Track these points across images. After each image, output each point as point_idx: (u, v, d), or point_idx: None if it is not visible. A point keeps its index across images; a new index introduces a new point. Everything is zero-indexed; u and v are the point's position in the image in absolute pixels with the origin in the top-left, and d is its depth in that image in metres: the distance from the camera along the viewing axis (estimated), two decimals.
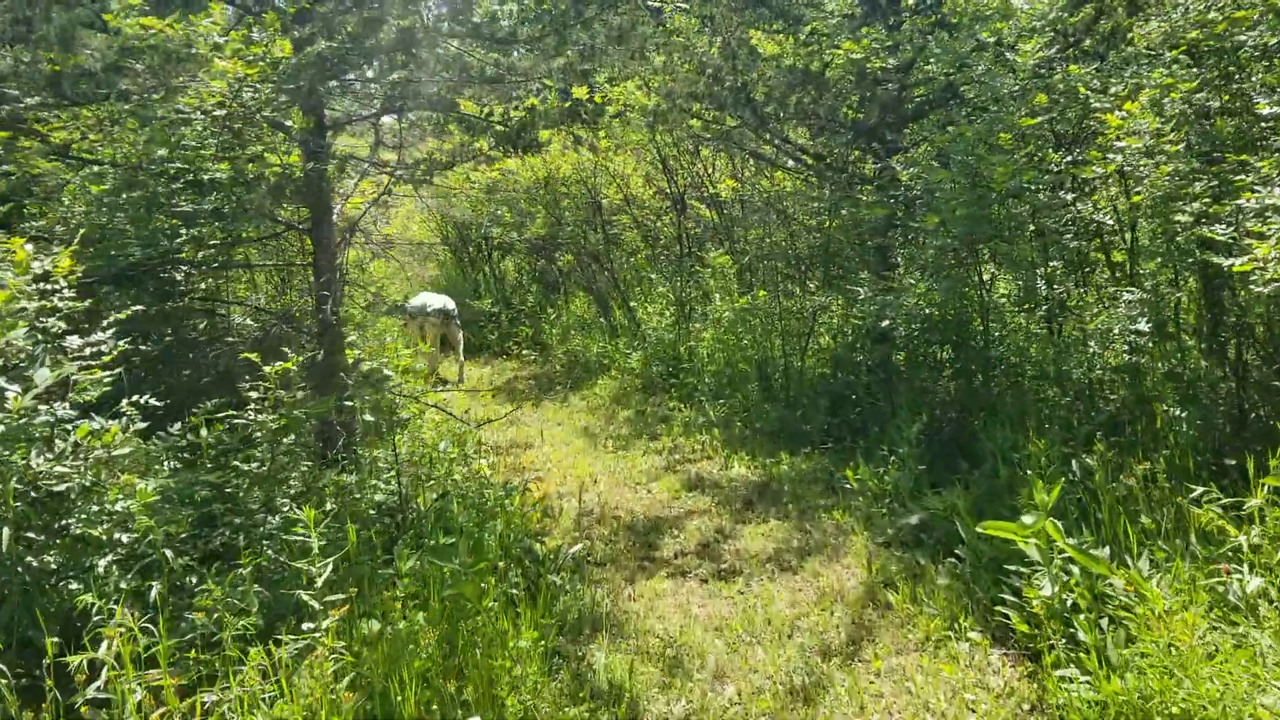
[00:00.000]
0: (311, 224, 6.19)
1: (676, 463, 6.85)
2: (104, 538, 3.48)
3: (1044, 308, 5.66)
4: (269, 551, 3.95)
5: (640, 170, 10.70)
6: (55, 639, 2.77)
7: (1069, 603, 3.41)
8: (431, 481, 5.84)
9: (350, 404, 5.23)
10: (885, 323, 6.06)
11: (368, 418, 5.37)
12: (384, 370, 5.62)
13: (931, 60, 6.41)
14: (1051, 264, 5.57)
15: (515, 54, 6.60)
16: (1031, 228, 5.48)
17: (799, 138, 8.39)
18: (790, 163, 8.79)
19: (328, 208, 6.17)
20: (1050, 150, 5.64)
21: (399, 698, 3.10)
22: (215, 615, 3.14)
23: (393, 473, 5.59)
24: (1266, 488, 3.38)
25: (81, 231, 4.77)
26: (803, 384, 7.80)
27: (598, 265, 11.04)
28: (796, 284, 8.42)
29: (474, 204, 11.81)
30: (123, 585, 3.29)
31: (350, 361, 5.60)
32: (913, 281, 6.07)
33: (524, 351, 11.40)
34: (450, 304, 10.39)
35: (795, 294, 8.26)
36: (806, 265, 8.23)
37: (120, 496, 3.57)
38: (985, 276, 5.91)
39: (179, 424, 4.40)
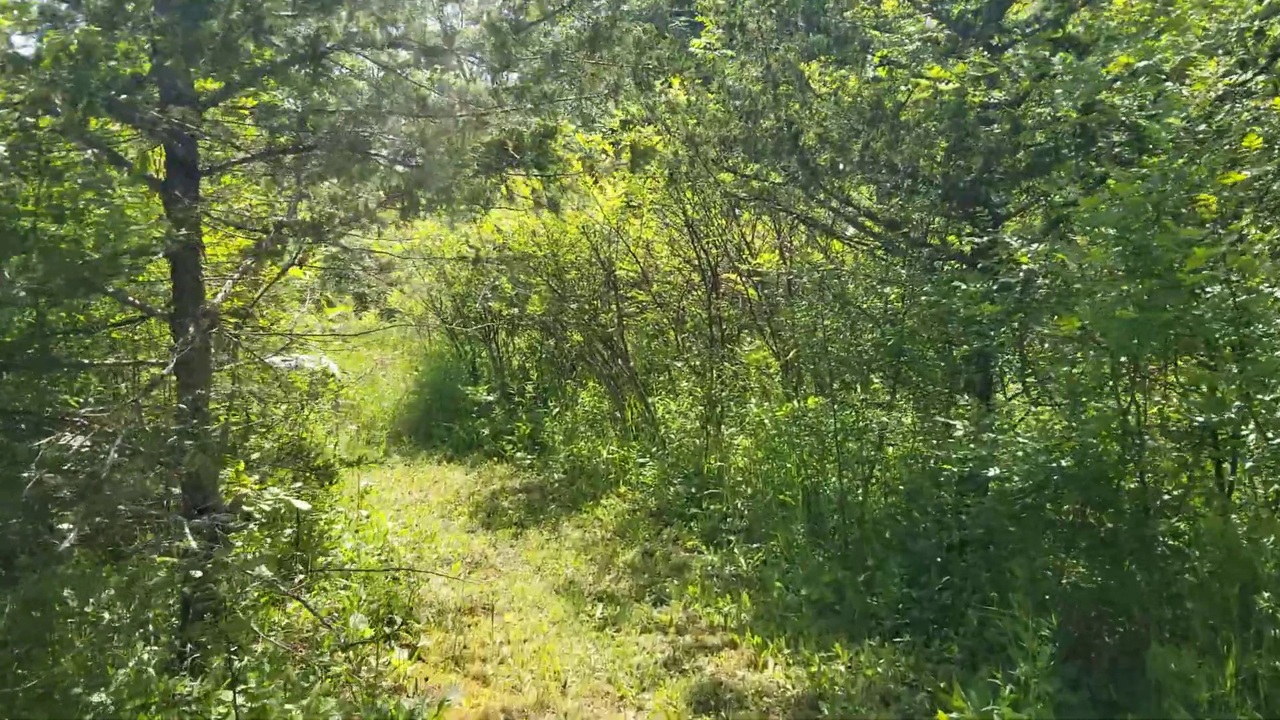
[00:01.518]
0: (174, 310, 4.56)
1: (687, 653, 5.04)
2: None
3: (1250, 463, 3.81)
4: None
5: (664, 236, 9.04)
6: None
7: None
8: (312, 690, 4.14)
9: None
10: (992, 472, 4.25)
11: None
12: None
13: (1057, 92, 4.67)
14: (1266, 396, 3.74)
15: (465, 74, 5.01)
16: (1233, 337, 3.67)
17: (863, 198, 6.68)
18: (850, 230, 7.08)
19: (197, 288, 4.54)
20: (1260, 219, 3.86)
21: None
22: None
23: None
24: None
25: None
26: (866, 529, 5.97)
27: (610, 351, 9.33)
28: (858, 391, 6.62)
29: (453, 273, 10.23)
30: None
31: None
32: (1033, 410, 4.29)
33: (518, 454, 9.67)
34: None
35: (856, 405, 6.47)
36: (872, 367, 6.43)
37: None
38: (1151, 410, 4.08)
39: None
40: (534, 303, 9.42)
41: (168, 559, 4.21)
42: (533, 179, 7.99)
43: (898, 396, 6.34)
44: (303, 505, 5.40)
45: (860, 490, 6.19)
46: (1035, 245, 4.19)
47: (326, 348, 7.04)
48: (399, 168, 5.15)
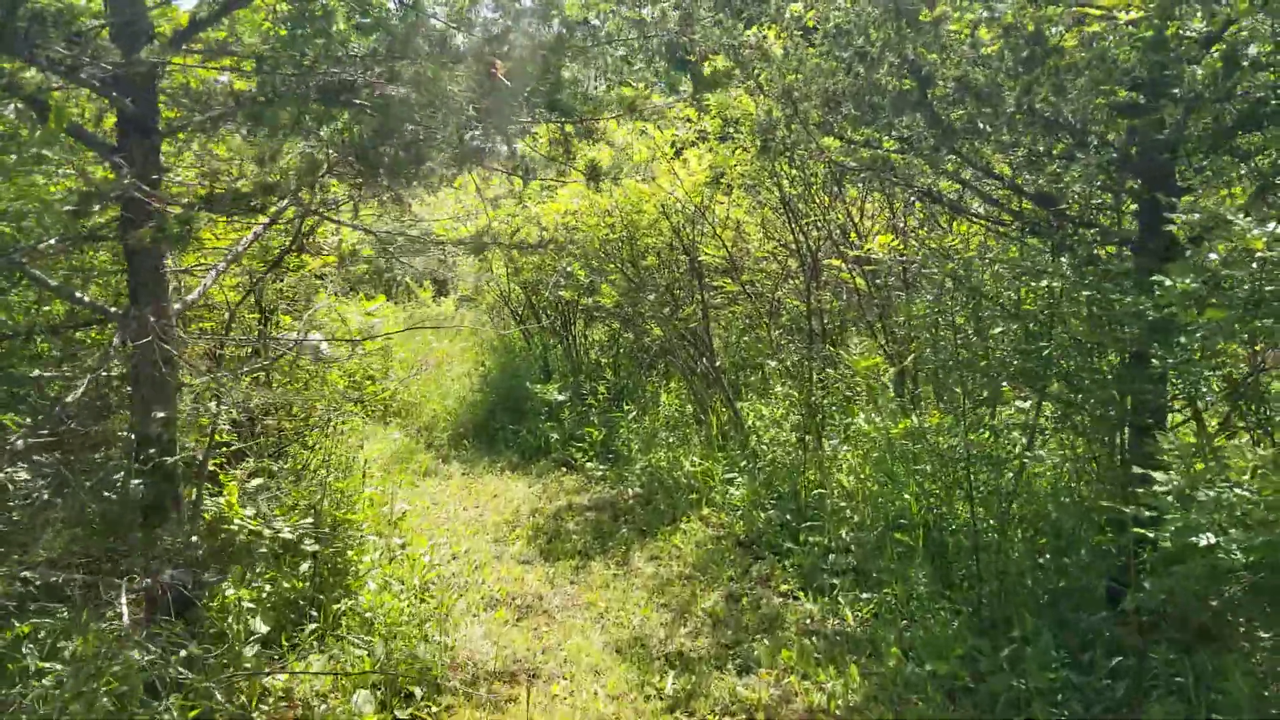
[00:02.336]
0: (125, 310, 3.73)
1: None
2: None
3: None
4: None
5: (756, 216, 7.98)
6: None
7: None
8: None
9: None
10: (1205, 540, 3.13)
11: None
12: None
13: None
14: None
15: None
16: None
17: (996, 165, 5.50)
18: (978, 207, 5.92)
19: (157, 281, 3.70)
20: None
21: None
22: None
23: None
24: None
25: None
26: (1008, 582, 4.87)
27: (694, 347, 8.32)
28: (993, 406, 5.50)
29: (522, 259, 9.33)
30: None
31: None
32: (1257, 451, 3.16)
33: (589, 463, 8.75)
34: None
35: (991, 425, 5.35)
36: (1012, 379, 5.28)
37: None
38: None
39: None
40: (605, 292, 8.45)
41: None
42: (596, 148, 7.06)
43: (1046, 417, 5.19)
44: (310, 545, 4.57)
45: (995, 528, 5.08)
46: (1274, 226, 3.03)
47: (340, 344, 6.21)
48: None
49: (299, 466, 5.27)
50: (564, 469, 8.95)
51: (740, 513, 7.01)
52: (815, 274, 7.46)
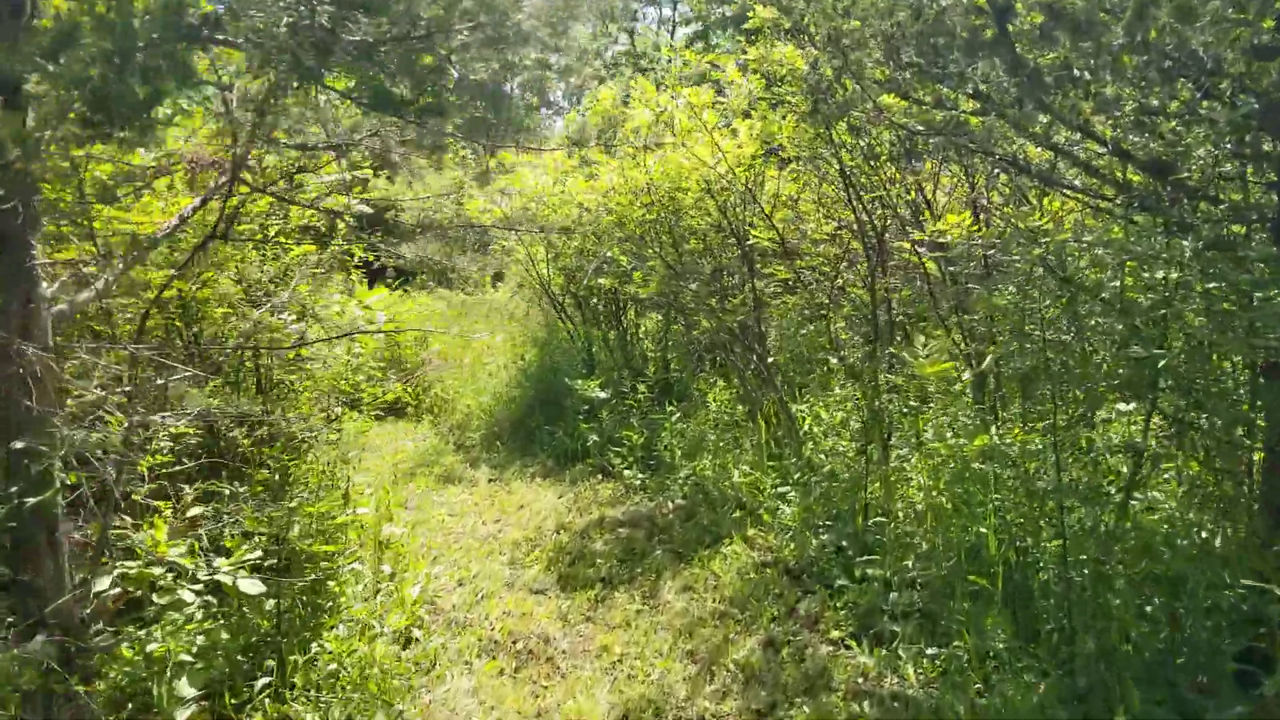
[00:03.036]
0: None
1: None
2: None
3: None
4: None
5: (812, 193, 7.13)
6: None
7: None
8: None
9: None
10: None
11: None
12: None
13: None
14: None
15: None
16: None
17: (1093, 125, 4.57)
18: (1078, 179, 5.00)
19: (18, 273, 3.05)
20: None
21: None
22: None
23: None
24: None
25: None
26: (1105, 643, 4.00)
27: (744, 342, 7.51)
28: (1091, 423, 4.61)
29: (561, 243, 8.61)
30: None
31: None
32: None
33: (628, 470, 8.00)
34: None
35: (1088, 445, 4.47)
36: (1116, 389, 4.37)
37: None
38: None
39: None
40: (639, 280, 7.67)
41: None
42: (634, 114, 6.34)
43: (1158, 437, 4.29)
44: (252, 587, 3.92)
45: (1090, 578, 4.21)
46: None
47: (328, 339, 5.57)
48: None
49: (259, 490, 4.62)
50: (600, 476, 8.23)
51: (791, 534, 6.22)
52: (881, 258, 6.58)
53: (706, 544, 6.44)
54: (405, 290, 21.22)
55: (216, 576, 3.87)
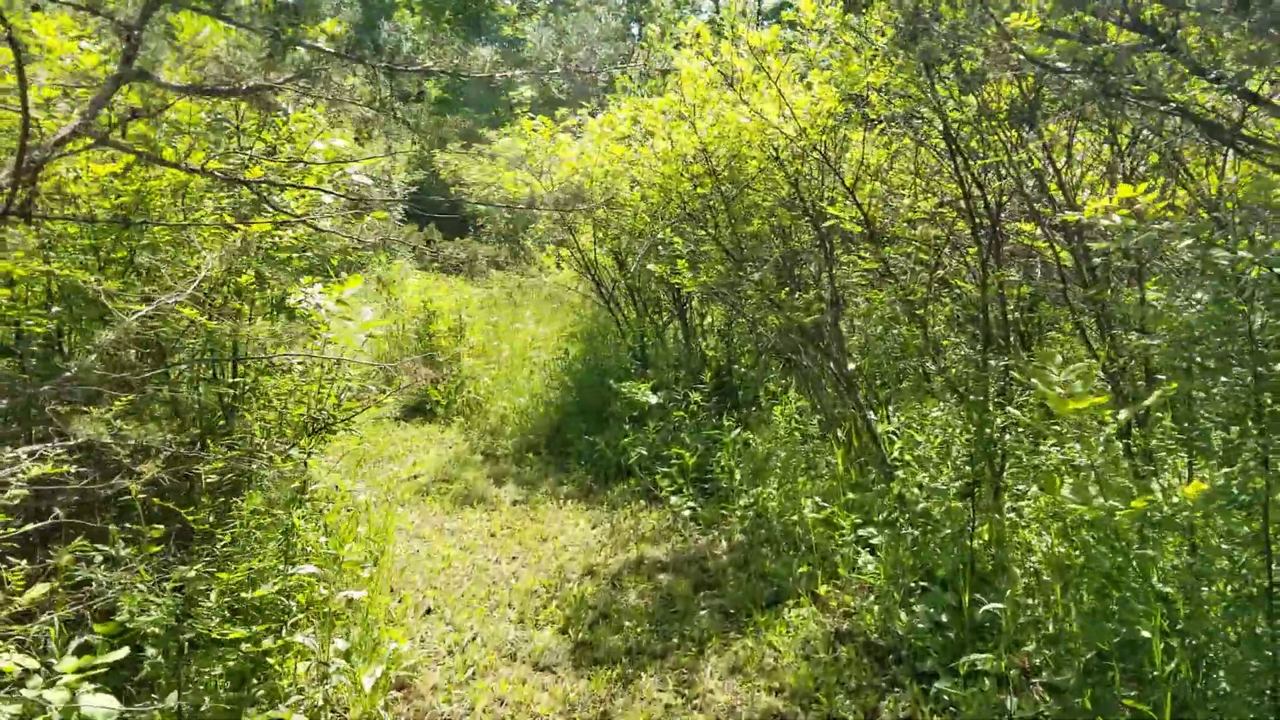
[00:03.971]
0: None
1: None
2: None
3: None
4: None
5: (904, 160, 5.84)
6: None
7: None
8: None
9: None
10: None
11: None
12: None
13: None
14: None
15: None
16: None
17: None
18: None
19: None
20: None
21: None
22: None
23: None
24: None
25: None
26: None
27: (816, 347, 6.27)
28: None
29: (609, 219, 7.43)
30: None
31: None
32: None
33: (675, 497, 6.83)
34: None
35: None
36: None
37: None
38: None
39: None
40: (684, 269, 6.45)
41: None
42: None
43: None
44: (100, 708, 2.88)
45: None
46: None
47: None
48: None
49: (154, 551, 3.55)
50: (644, 501, 7.07)
51: (874, 596, 5.01)
52: (996, 244, 5.28)
53: (766, 602, 5.26)
54: (457, 274, 20.35)
55: (45, 693, 2.81)
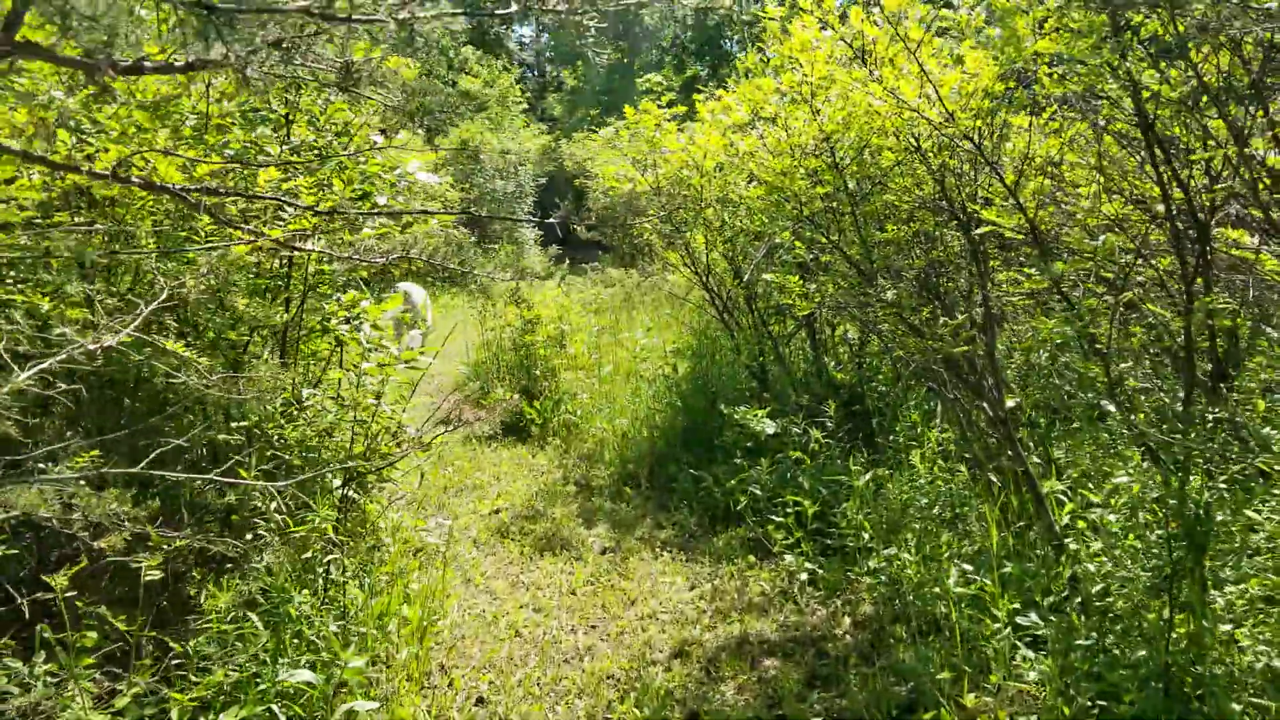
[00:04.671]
0: None
1: None
2: None
3: None
4: None
5: (1077, 151, 4.72)
6: None
7: None
8: None
9: None
10: None
11: None
12: None
13: None
14: None
15: None
16: None
17: None
18: None
19: None
20: None
21: None
22: None
23: None
24: None
25: None
26: None
27: (967, 380, 5.21)
28: None
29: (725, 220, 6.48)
30: None
31: None
32: None
33: (790, 556, 5.86)
34: None
35: None
36: None
37: None
38: None
39: None
40: (795, 287, 5.45)
41: None
42: None
43: None
44: None
45: None
46: None
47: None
48: None
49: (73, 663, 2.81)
50: (753, 555, 6.12)
51: (1041, 711, 3.98)
52: (1204, 259, 4.15)
53: (897, 710, 4.27)
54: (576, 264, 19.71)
55: None
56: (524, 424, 8.98)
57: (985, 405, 5.01)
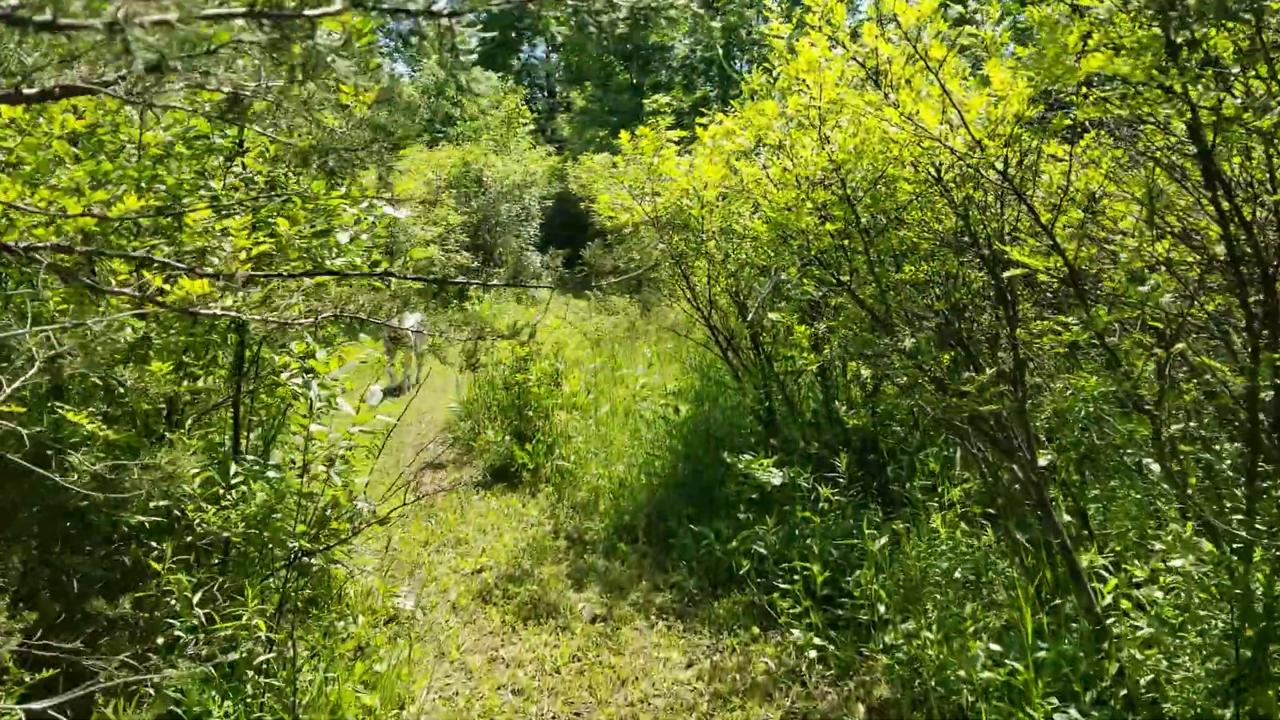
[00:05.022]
0: None
1: None
2: None
3: None
4: None
5: (1130, 179, 4.22)
6: None
7: None
8: None
9: None
10: None
11: None
12: None
13: None
14: None
15: None
16: None
17: None
18: None
19: None
20: None
21: None
22: None
23: None
24: None
25: None
26: None
27: (993, 436, 4.69)
28: None
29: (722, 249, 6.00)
30: None
31: None
32: None
33: (797, 626, 5.34)
34: None
35: None
36: None
37: None
38: None
39: None
40: (802, 338, 4.94)
41: None
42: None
43: None
44: None
45: None
46: None
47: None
48: None
49: None
50: (758, 625, 5.59)
51: None
52: (1275, 303, 3.63)
53: None
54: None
55: None
56: (515, 469, 8.46)
57: (1015, 466, 4.48)
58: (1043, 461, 4.62)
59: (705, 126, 6.50)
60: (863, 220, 4.80)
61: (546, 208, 27.29)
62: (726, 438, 7.43)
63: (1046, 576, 4.71)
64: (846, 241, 4.84)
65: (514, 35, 48.93)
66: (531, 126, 32.53)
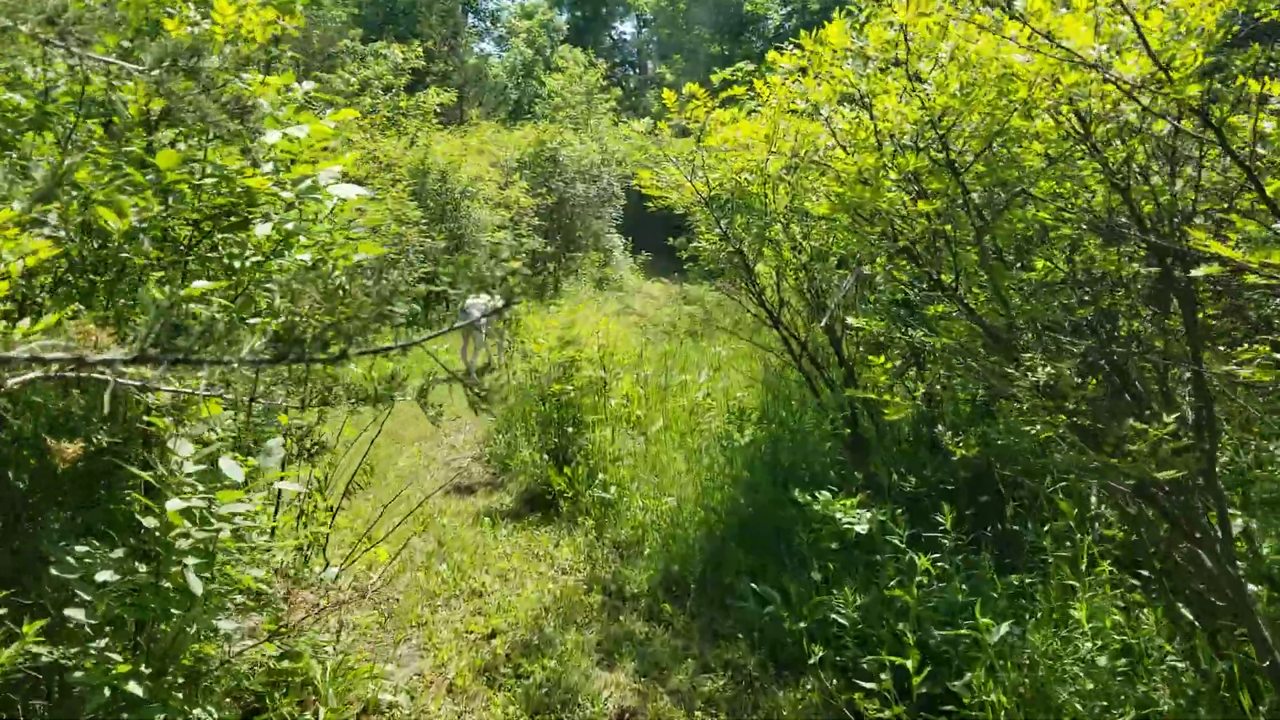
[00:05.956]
0: None
1: None
2: None
3: None
4: None
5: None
6: None
7: None
8: None
9: None
10: None
11: None
12: None
13: None
14: None
15: None
16: None
17: None
18: None
19: None
20: None
21: None
22: None
23: None
24: None
25: None
26: None
27: (1145, 496, 3.34)
28: None
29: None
30: None
31: None
32: None
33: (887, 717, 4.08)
34: None
35: None
36: None
37: None
38: None
39: None
40: (880, 371, 3.64)
41: None
42: None
43: None
44: None
45: None
46: None
47: None
48: None
49: None
50: None
51: None
52: None
53: None
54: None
55: None
56: (551, 496, 7.29)
57: (1202, 552, 3.14)
58: (1236, 526, 3.28)
59: (769, 71, 5.20)
60: (973, 195, 3.46)
61: (632, 189, 26.06)
62: (798, 468, 6.15)
63: (1241, 697, 3.38)
64: (949, 227, 3.50)
65: (604, 10, 48.08)
66: (613, 104, 31.30)
